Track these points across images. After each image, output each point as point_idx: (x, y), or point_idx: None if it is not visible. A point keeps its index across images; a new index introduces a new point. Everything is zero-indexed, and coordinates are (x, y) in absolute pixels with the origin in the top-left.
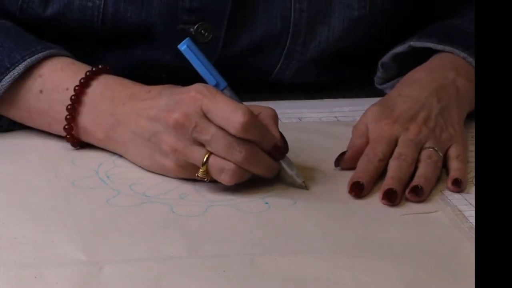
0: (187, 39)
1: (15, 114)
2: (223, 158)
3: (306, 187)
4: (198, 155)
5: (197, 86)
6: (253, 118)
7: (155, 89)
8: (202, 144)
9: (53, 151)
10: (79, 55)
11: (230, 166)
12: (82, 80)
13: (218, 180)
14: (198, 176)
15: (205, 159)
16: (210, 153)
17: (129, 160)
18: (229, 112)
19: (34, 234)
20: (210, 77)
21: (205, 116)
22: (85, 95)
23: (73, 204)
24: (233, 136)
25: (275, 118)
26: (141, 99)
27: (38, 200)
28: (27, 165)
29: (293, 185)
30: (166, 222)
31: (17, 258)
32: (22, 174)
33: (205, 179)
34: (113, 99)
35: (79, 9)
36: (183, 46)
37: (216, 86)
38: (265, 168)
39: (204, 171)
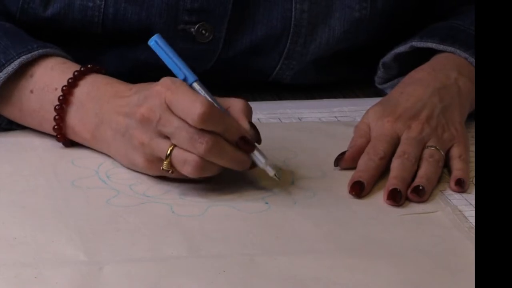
0: (156, 35)
1: (9, 112)
2: (186, 150)
3: (278, 178)
4: (162, 147)
5: (163, 80)
6: (212, 110)
7: (136, 86)
8: (167, 137)
9: (53, 151)
10: (79, 55)
11: (192, 157)
12: (70, 80)
13: (182, 172)
14: (162, 168)
15: (168, 151)
16: (174, 146)
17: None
18: (188, 104)
19: (34, 234)
20: (179, 71)
21: (169, 109)
22: (73, 95)
23: (73, 204)
24: (195, 127)
25: (246, 110)
26: (122, 96)
27: (38, 200)
28: (27, 165)
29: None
30: (166, 222)
31: (17, 258)
32: (22, 174)
33: (169, 171)
34: (99, 99)
35: (80, 9)
36: (151, 42)
37: (185, 80)
38: (231, 160)
39: (168, 163)
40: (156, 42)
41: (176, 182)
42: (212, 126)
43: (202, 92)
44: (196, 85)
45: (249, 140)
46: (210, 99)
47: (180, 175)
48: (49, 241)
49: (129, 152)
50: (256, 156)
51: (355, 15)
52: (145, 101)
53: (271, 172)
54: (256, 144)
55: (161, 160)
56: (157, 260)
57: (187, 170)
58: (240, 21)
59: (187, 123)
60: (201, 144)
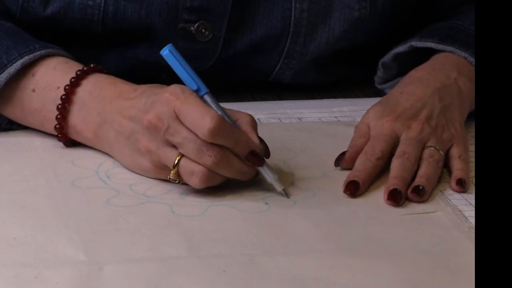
0: (169, 44)
1: (10, 112)
2: (194, 161)
3: (286, 195)
4: (170, 156)
5: (173, 87)
6: (222, 124)
7: (141, 88)
8: (175, 146)
9: (53, 151)
10: (79, 55)
11: (200, 169)
12: (72, 80)
13: (188, 183)
14: (169, 178)
15: (176, 161)
16: (182, 155)
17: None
18: (198, 117)
19: (34, 234)
20: (192, 82)
21: (177, 118)
22: (75, 95)
23: (73, 204)
24: (204, 140)
25: (254, 124)
26: (127, 98)
27: (38, 200)
28: (27, 165)
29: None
30: (166, 222)
31: (17, 258)
32: (22, 174)
33: (176, 181)
34: (102, 98)
35: (80, 8)
36: (165, 51)
37: (197, 91)
38: (238, 172)
39: (175, 172)
40: (170, 52)
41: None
42: (222, 141)
43: (213, 104)
44: (207, 97)
45: (258, 155)
46: (220, 112)
47: (184, 182)
48: (49, 241)
49: (135, 157)
50: (265, 170)
51: (354, 14)
52: (153, 108)
53: (279, 188)
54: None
55: (167, 168)
56: (157, 260)
57: (194, 182)
58: (240, 20)
59: (196, 134)
60: (209, 157)
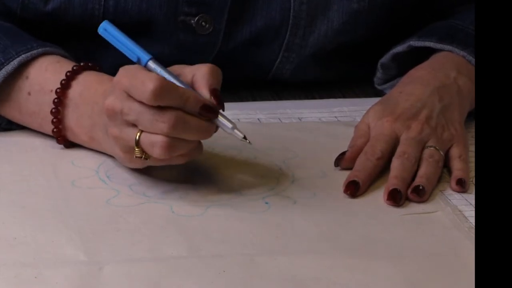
0: (104, 22)
1: (8, 113)
2: (153, 133)
3: (248, 142)
4: (131, 135)
5: (120, 70)
6: (164, 84)
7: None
8: (134, 125)
9: (53, 151)
10: (80, 51)
11: (159, 138)
12: (62, 82)
13: (153, 156)
14: (136, 156)
15: (137, 138)
16: (142, 132)
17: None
18: (139, 84)
19: (34, 234)
20: (131, 54)
21: (129, 96)
22: (67, 97)
23: (73, 204)
24: (155, 108)
25: (209, 75)
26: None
27: (38, 200)
28: (27, 165)
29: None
30: (166, 222)
31: (17, 258)
32: (22, 174)
33: (142, 157)
34: (90, 100)
35: (80, 3)
36: (100, 30)
37: (139, 61)
38: (198, 131)
39: (139, 150)
40: (105, 30)
41: (176, 182)
42: (168, 101)
43: (158, 69)
44: (151, 64)
45: (210, 107)
46: (167, 75)
47: (158, 161)
48: (49, 241)
49: (113, 149)
50: (222, 122)
51: (353, 6)
52: (108, 95)
53: (239, 136)
54: (221, 111)
55: (134, 150)
56: (157, 260)
57: (156, 152)
58: (239, 12)
59: (147, 105)
60: (163, 123)
